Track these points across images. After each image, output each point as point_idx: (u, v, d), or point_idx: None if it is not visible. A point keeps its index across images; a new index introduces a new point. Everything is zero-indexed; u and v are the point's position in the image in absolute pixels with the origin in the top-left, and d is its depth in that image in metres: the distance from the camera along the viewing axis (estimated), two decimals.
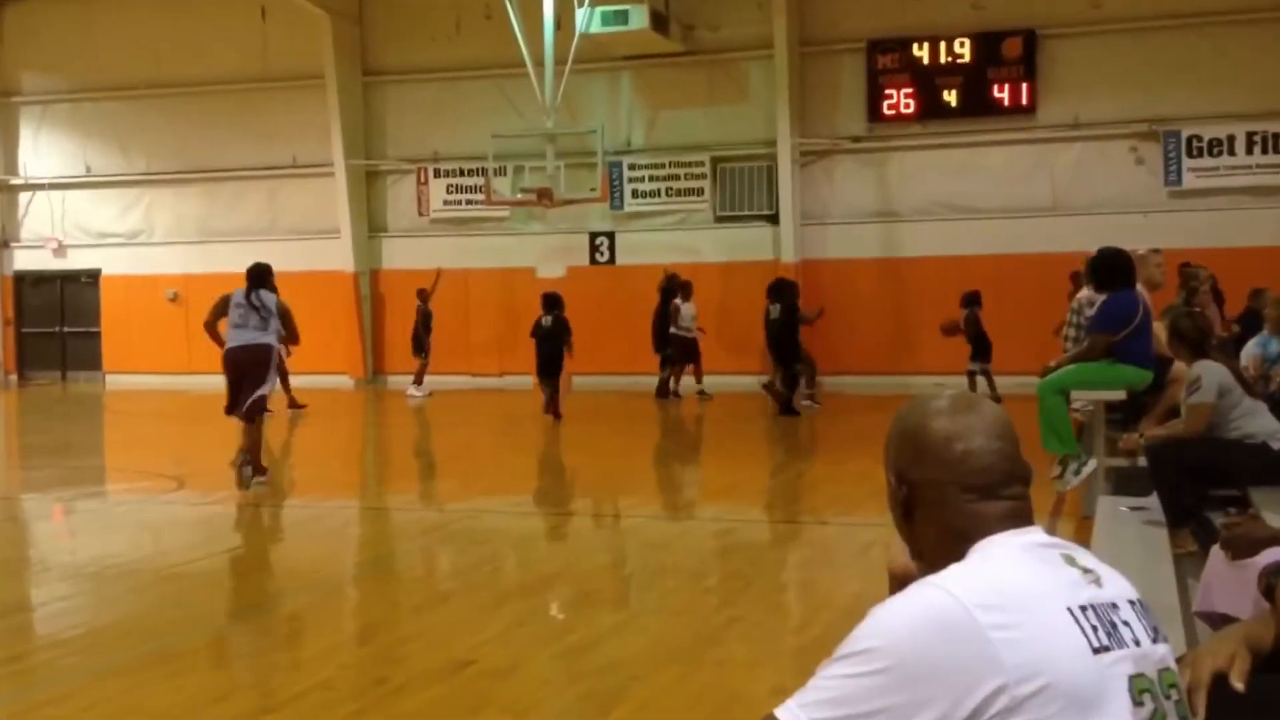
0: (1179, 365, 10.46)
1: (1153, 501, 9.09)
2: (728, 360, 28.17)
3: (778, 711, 2.39)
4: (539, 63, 27.04)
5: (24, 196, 35.03)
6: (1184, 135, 26.78)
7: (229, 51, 32.38)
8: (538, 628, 8.89)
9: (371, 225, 32.54)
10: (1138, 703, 2.41)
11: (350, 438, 23.13)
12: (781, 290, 23.71)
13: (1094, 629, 2.41)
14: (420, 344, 28.13)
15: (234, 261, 32.48)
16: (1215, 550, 5.52)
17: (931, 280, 27.60)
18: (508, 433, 22.75)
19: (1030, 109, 27.71)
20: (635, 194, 30.33)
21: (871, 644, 2.37)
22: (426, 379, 28.24)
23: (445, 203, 31.79)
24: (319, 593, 10.28)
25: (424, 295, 28.05)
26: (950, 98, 28.04)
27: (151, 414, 27.05)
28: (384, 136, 32.37)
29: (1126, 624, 2.48)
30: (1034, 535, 2.57)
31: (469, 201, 31.32)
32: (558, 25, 27.14)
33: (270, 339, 15.55)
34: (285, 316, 15.89)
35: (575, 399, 24.77)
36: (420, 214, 32.08)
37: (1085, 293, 12.98)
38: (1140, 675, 2.44)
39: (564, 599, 9.89)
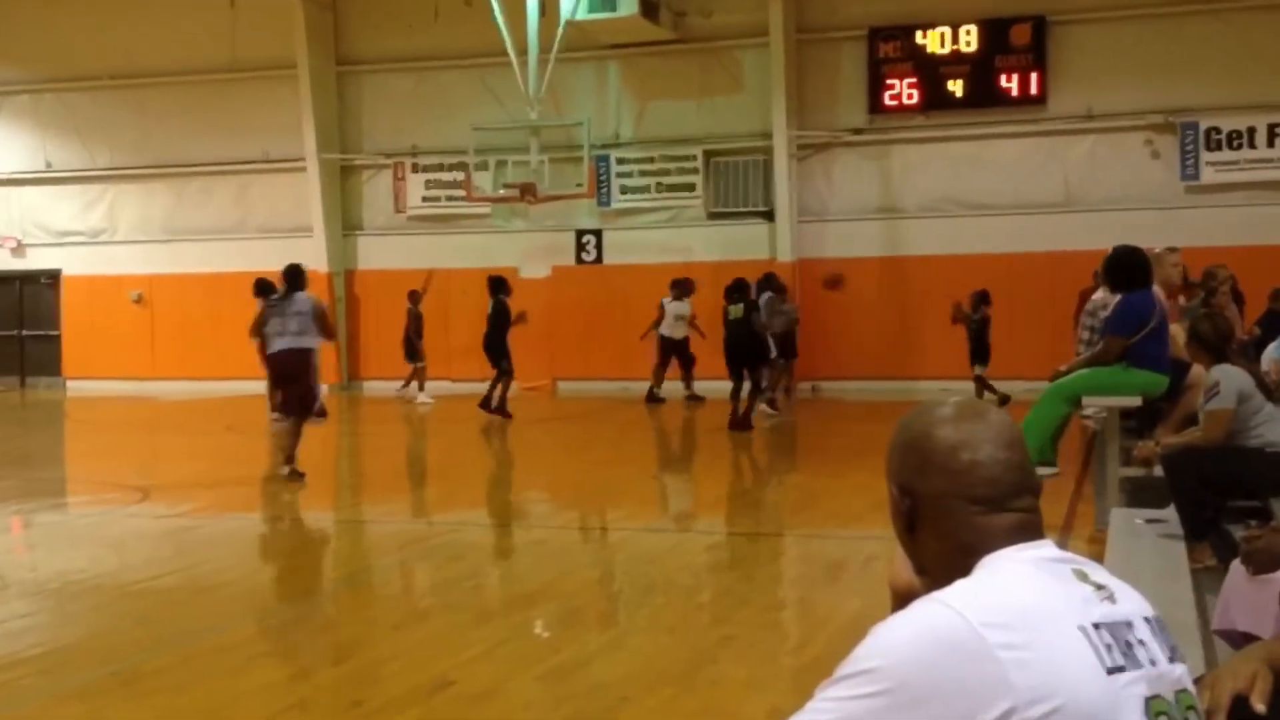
0: (1197, 369, 10.47)
1: (1169, 514, 9.10)
2: (721, 364, 28.10)
3: None
4: (522, 51, 27.05)
5: None
6: (1202, 127, 26.84)
7: (196, 40, 32.38)
8: (521, 647, 8.87)
9: (346, 223, 32.54)
10: None
11: (324, 447, 23.06)
12: (742, 288, 23.11)
13: (1107, 648, 2.41)
14: (413, 349, 28.07)
15: (201, 261, 32.74)
16: (1235, 565, 5.52)
17: (936, 280, 27.63)
18: (490, 441, 22.71)
19: (1040, 100, 27.77)
20: (623, 190, 30.35)
21: (873, 664, 2.37)
22: (411, 384, 28.25)
23: (424, 199, 31.82)
24: (291, 610, 10.26)
25: (415, 297, 27.94)
26: (956, 88, 28.09)
27: (115, 422, 27.01)
28: (359, 129, 32.38)
29: (1142, 643, 2.48)
30: (1044, 549, 2.56)
31: (449, 198, 31.34)
32: (542, 12, 27.16)
33: (309, 342, 16.73)
34: (320, 317, 16.81)
35: (562, 406, 24.76)
36: (397, 211, 32.10)
37: (1100, 294, 13.00)
38: (1156, 697, 2.44)
39: (549, 617, 9.87)
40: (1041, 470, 11.37)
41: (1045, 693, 2.31)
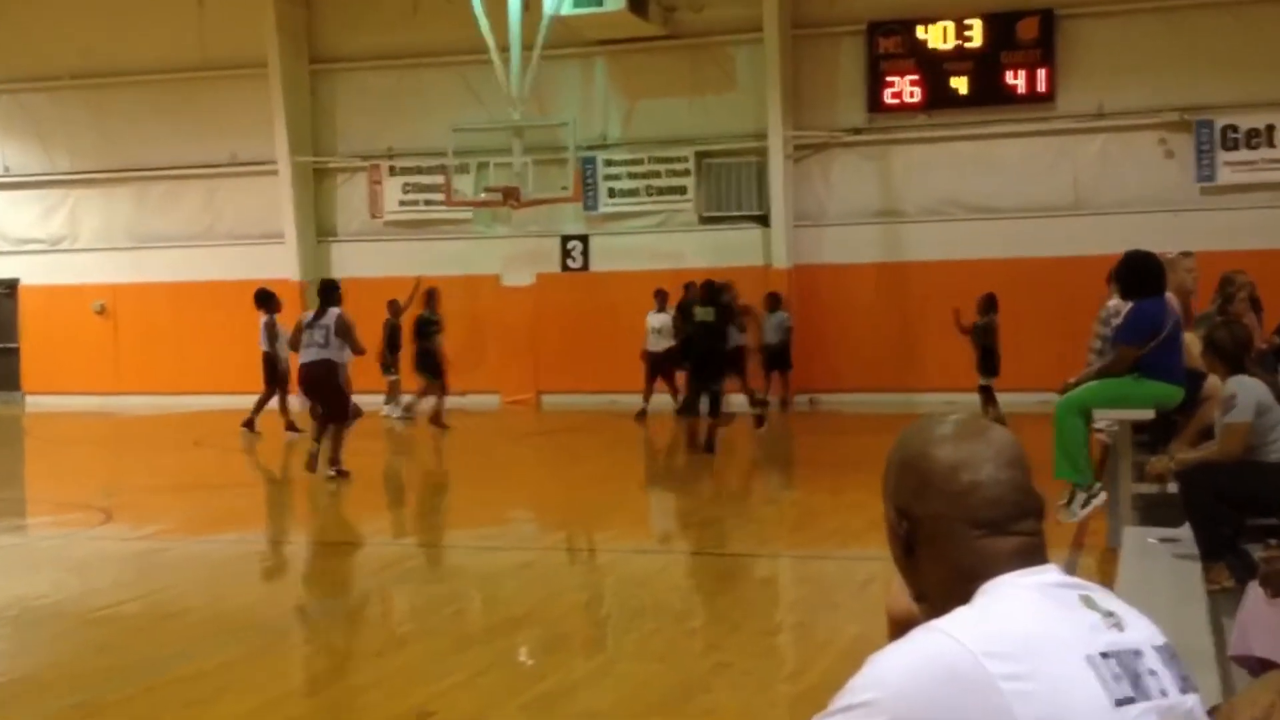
0: (1213, 380, 10.47)
1: (1184, 532, 9.10)
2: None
3: None
4: (504, 48, 27.06)
5: None
6: (1218, 125, 26.88)
7: (161, 38, 32.36)
8: (504, 675, 8.86)
9: (319, 229, 32.54)
10: None
11: (296, 465, 23.03)
12: (714, 290, 22.80)
13: (1115, 679, 2.40)
14: (388, 362, 27.90)
15: (167, 270, 32.72)
16: (1253, 587, 5.52)
17: (939, 287, 27.61)
18: (471, 457, 22.70)
19: (1048, 97, 27.82)
20: (611, 193, 30.37)
21: (870, 695, 2.36)
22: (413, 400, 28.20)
23: (401, 203, 31.82)
24: (262, 637, 10.24)
25: (396, 308, 27.56)
26: (959, 85, 28.14)
27: (77, 439, 26.97)
28: (333, 130, 32.38)
29: (1152, 673, 2.47)
30: (1049, 574, 2.56)
31: (427, 202, 31.33)
32: (525, 7, 27.17)
33: (333, 354, 18.49)
34: (344, 331, 18.50)
35: (546, 420, 24.74)
36: (373, 216, 32.09)
37: (1113, 301, 13.00)
38: None
39: (533, 643, 9.87)
40: (1085, 504, 11.40)
41: None
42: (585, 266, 30.63)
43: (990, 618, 2.43)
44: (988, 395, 23.75)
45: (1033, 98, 27.88)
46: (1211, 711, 2.70)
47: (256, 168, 32.19)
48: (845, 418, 26.89)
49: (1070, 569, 9.79)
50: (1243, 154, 26.81)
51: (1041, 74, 27.75)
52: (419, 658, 9.28)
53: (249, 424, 24.98)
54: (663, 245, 29.88)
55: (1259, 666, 5.02)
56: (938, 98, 28.34)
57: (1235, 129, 26.84)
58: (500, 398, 30.47)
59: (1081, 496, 11.42)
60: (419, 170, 31.51)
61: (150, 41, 32.47)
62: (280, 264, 31.76)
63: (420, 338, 25.77)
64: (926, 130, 28.61)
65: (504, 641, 9.88)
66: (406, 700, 8.00)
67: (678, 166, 30.05)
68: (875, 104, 28.81)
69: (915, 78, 28.42)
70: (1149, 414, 11.43)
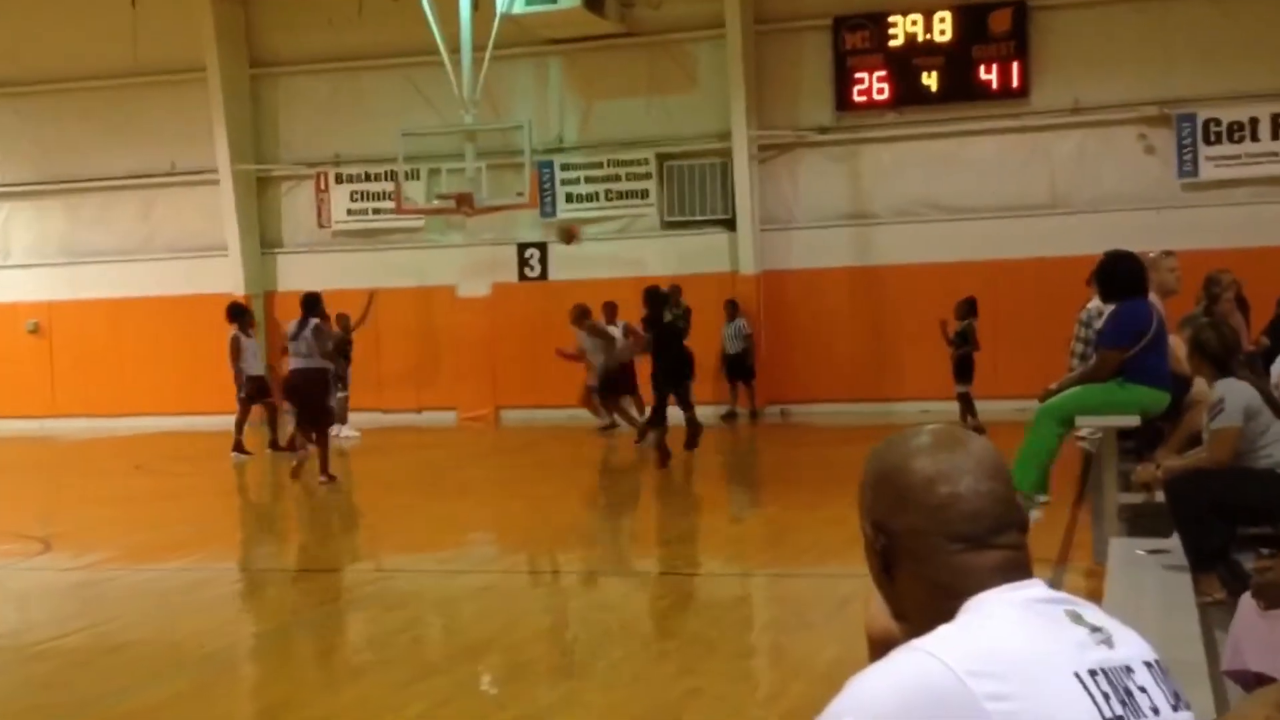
0: (1200, 385, 10.51)
1: (1173, 543, 9.13)
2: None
3: None
4: (454, 49, 27.03)
5: None
6: (1200, 119, 27.00)
7: (93, 42, 32.21)
8: (466, 705, 8.85)
9: (264, 240, 32.46)
10: None
11: (242, 487, 22.98)
12: (669, 297, 22.89)
13: (1105, 696, 2.41)
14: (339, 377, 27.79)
15: (104, 286, 32.60)
16: (1246, 599, 5.55)
17: (913, 291, 27.71)
18: (427, 476, 22.66)
19: (1022, 92, 27.92)
20: (569, 198, 30.38)
21: (850, 719, 2.37)
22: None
23: (349, 212, 31.77)
24: (212, 670, 10.21)
25: (346, 323, 27.43)
26: (930, 81, 28.21)
27: (10, 465, 26.82)
28: (276, 137, 32.32)
29: (1143, 690, 2.48)
30: (1033, 589, 2.57)
31: (377, 210, 31.30)
32: (475, 5, 27.15)
33: (316, 363, 20.61)
34: (320, 340, 20.65)
35: (505, 437, 24.71)
36: (320, 226, 32.04)
37: (1094, 303, 13.06)
38: None
39: (496, 670, 9.86)
40: (1037, 499, 11.41)
41: None
42: (544, 275, 30.61)
43: (974, 635, 2.43)
44: (966, 403, 23.83)
45: (1006, 93, 27.98)
46: None
47: (196, 177, 32.08)
48: (818, 429, 26.92)
49: (1055, 583, 9.83)
50: (1226, 148, 26.91)
51: (1015, 68, 27.84)
52: (376, 689, 9.26)
53: (274, 446, 24.86)
54: (624, 252, 29.88)
55: (1253, 681, 5.04)
56: (908, 94, 28.41)
57: (1218, 122, 26.94)
58: (457, 414, 30.42)
59: (1021, 503, 11.38)
60: (367, 177, 31.47)
61: (81, 47, 32.30)
62: (223, 278, 31.67)
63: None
64: (896, 128, 28.68)
65: (465, 670, 9.87)
66: None
67: (638, 170, 30.07)
68: (843, 102, 28.87)
69: (884, 74, 28.48)
70: (1134, 420, 11.47)
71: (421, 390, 29.75)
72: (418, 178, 28.78)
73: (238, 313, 25.40)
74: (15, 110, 33.22)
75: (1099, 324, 12.18)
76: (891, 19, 28.30)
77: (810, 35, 29.04)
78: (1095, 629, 2.52)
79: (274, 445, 24.91)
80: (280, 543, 17.35)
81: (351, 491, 21.59)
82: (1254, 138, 26.80)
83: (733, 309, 28.32)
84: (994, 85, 27.98)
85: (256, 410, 25.37)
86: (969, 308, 23.88)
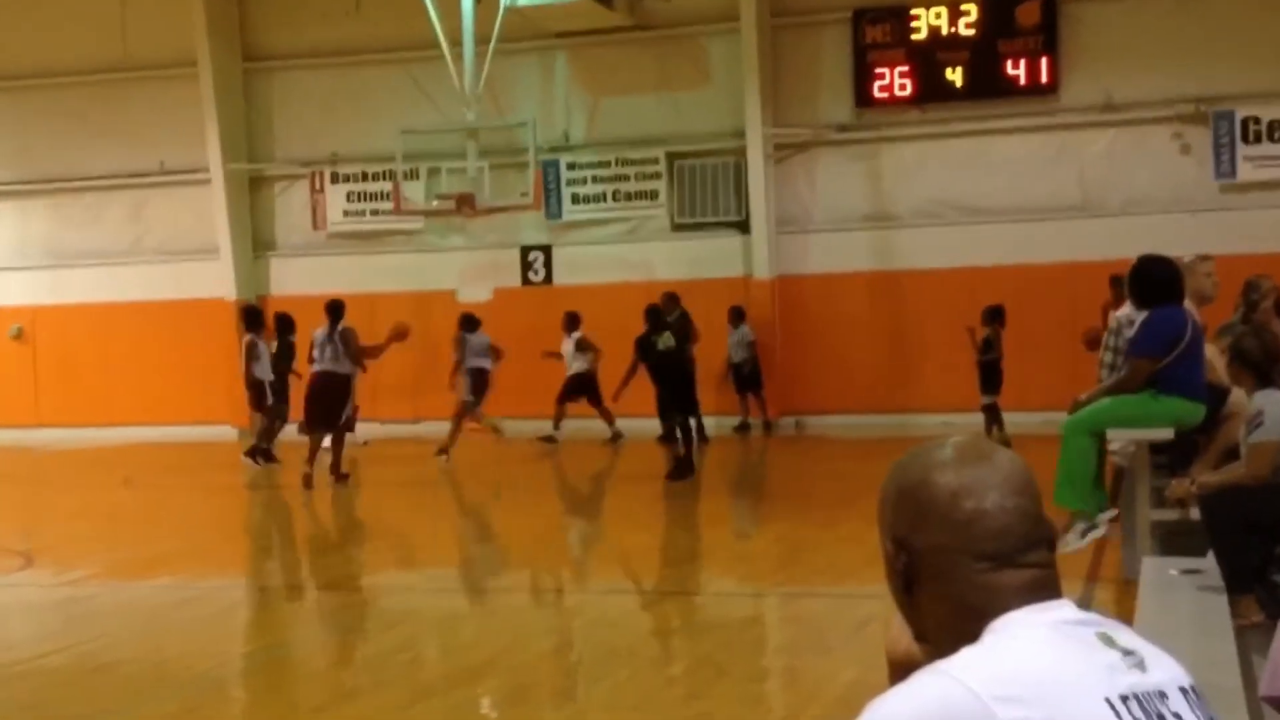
0: (1237, 396, 10.48)
1: (1209, 563, 9.11)
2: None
3: None
4: (456, 43, 27.05)
5: None
6: (1238, 116, 26.96)
7: (80, 36, 32.27)
8: None
9: (256, 243, 32.48)
10: None
11: (233, 500, 22.99)
12: (660, 314, 23.08)
13: None
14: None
15: (91, 290, 32.62)
16: None
17: (936, 297, 27.68)
18: (425, 490, 22.66)
19: (1051, 88, 27.89)
20: (575, 199, 30.37)
21: None
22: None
23: (345, 214, 31.78)
24: (200, 691, 10.20)
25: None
26: (954, 76, 28.20)
27: None
28: (270, 135, 32.35)
29: (1177, 716, 2.47)
30: (1062, 610, 2.55)
31: (374, 212, 31.31)
32: None
33: (339, 367, 22.29)
34: (348, 344, 22.37)
35: (507, 448, 24.72)
36: (315, 228, 32.05)
37: (1125, 310, 13.02)
38: None
39: (496, 693, 9.85)
40: (1084, 534, 11.34)
41: None
42: (548, 280, 30.61)
43: (999, 659, 2.42)
44: (993, 415, 23.79)
45: (1034, 89, 27.94)
46: None
47: (187, 177, 32.10)
48: (835, 442, 26.89)
49: (1085, 603, 9.80)
50: (1265, 148, 26.86)
51: (1044, 63, 27.80)
52: (370, 712, 9.26)
53: (266, 454, 24.90)
54: (632, 255, 29.88)
55: None
56: (931, 90, 28.38)
57: (1257, 120, 26.90)
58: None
59: (1082, 526, 11.35)
60: (364, 177, 31.48)
61: (68, 42, 32.35)
62: (214, 282, 31.70)
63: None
64: (919, 126, 28.66)
65: (463, 692, 9.86)
66: None
67: (648, 169, 30.05)
68: (863, 98, 28.85)
69: (906, 69, 28.46)
70: (1168, 433, 11.43)
71: (419, 399, 29.71)
72: (417, 177, 28.79)
73: (255, 316, 25.68)
74: None
75: (1130, 332, 12.14)
76: (914, 11, 28.27)
77: (829, 28, 29.03)
78: (1128, 652, 2.50)
79: (254, 452, 24.92)
80: (272, 558, 17.36)
81: (347, 505, 21.60)
82: None
83: (738, 316, 28.29)
84: (1022, 81, 27.95)
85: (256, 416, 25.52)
86: (995, 315, 23.83)
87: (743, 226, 29.39)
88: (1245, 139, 26.86)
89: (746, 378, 28.45)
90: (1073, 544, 11.33)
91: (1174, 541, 10.93)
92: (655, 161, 29.92)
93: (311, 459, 21.71)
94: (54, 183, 33.06)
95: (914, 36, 28.32)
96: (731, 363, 28.47)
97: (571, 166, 30.37)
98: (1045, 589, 2.58)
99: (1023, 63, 27.86)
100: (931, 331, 27.50)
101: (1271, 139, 26.75)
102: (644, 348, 22.20)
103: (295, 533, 19.64)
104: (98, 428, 31.72)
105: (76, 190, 33.05)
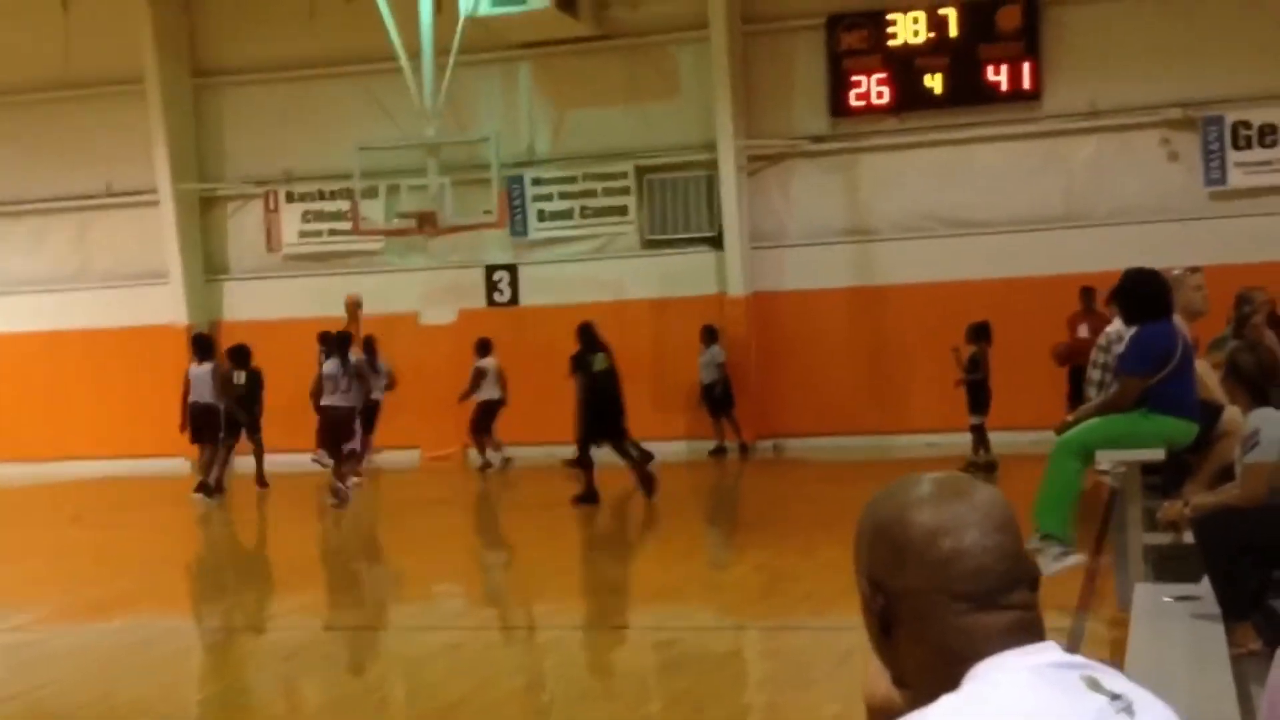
0: (1231, 413, 10.51)
1: (1204, 589, 9.12)
2: (659, 422, 28.16)
3: None
4: (415, 55, 27.06)
5: None
6: (1228, 121, 27.05)
7: (20, 51, 32.15)
8: None
9: (209, 266, 32.42)
10: None
11: (187, 537, 22.93)
12: (592, 335, 23.15)
13: None
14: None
15: (34, 318, 32.51)
16: None
17: (917, 313, 27.73)
18: (389, 523, 22.64)
19: (1034, 94, 27.98)
20: (541, 216, 30.38)
21: None
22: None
23: (302, 234, 31.75)
24: None
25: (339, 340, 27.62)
26: (933, 83, 28.27)
27: None
28: (221, 153, 32.30)
29: None
30: (1046, 654, 2.55)
31: (332, 232, 31.28)
32: (437, 8, 27.15)
33: (342, 400, 23.52)
34: (358, 377, 23.76)
35: (473, 476, 24.67)
36: (270, 249, 32.00)
37: (1115, 325, 13.06)
38: None
39: None
40: (1060, 558, 11.32)
41: None
42: (514, 300, 30.58)
43: (981, 705, 2.42)
44: (979, 436, 23.80)
45: (1017, 96, 28.02)
46: None
47: (134, 198, 32.04)
48: (815, 465, 26.90)
49: (1076, 634, 9.83)
50: (1256, 153, 26.92)
51: (1026, 68, 27.88)
52: None
53: (214, 488, 25.04)
54: (602, 274, 29.87)
55: None
56: (909, 98, 28.44)
57: (1248, 125, 26.96)
58: (420, 453, 30.36)
59: (1055, 550, 11.30)
60: (321, 196, 31.45)
61: (7, 57, 32.21)
62: (164, 307, 31.62)
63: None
64: (898, 135, 28.71)
65: None
66: None
67: (616, 184, 30.07)
68: (839, 107, 28.89)
69: (883, 76, 28.51)
70: (1159, 454, 11.44)
71: (382, 427, 29.62)
72: (376, 196, 28.74)
73: (208, 345, 26.10)
74: None
75: (1120, 348, 12.16)
76: (890, 16, 28.34)
77: (802, 35, 29.08)
78: (1115, 696, 2.51)
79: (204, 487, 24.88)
80: (229, 597, 17.28)
81: (307, 541, 21.54)
82: None
83: (710, 335, 28.29)
84: (1003, 87, 28.02)
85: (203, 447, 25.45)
86: (980, 332, 23.80)
87: (716, 242, 29.40)
88: (1236, 144, 26.93)
89: (718, 400, 28.42)
90: (1046, 568, 11.29)
91: (1168, 566, 10.94)
92: (624, 176, 29.93)
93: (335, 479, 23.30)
94: None
95: (891, 43, 28.39)
96: (702, 384, 28.42)
97: (537, 182, 30.38)
98: (1028, 631, 2.58)
99: (1004, 68, 27.93)
100: (913, 349, 27.55)
101: (1263, 144, 26.82)
102: (581, 365, 22.20)
103: (253, 570, 19.59)
104: (44, 462, 31.55)
105: (19, 214, 32.97)
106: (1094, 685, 2.51)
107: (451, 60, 26.91)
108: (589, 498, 21.59)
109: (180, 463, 30.26)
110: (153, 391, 29.79)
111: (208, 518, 23.97)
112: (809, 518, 20.13)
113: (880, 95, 28.56)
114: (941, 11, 28.08)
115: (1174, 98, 27.21)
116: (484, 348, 27.80)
